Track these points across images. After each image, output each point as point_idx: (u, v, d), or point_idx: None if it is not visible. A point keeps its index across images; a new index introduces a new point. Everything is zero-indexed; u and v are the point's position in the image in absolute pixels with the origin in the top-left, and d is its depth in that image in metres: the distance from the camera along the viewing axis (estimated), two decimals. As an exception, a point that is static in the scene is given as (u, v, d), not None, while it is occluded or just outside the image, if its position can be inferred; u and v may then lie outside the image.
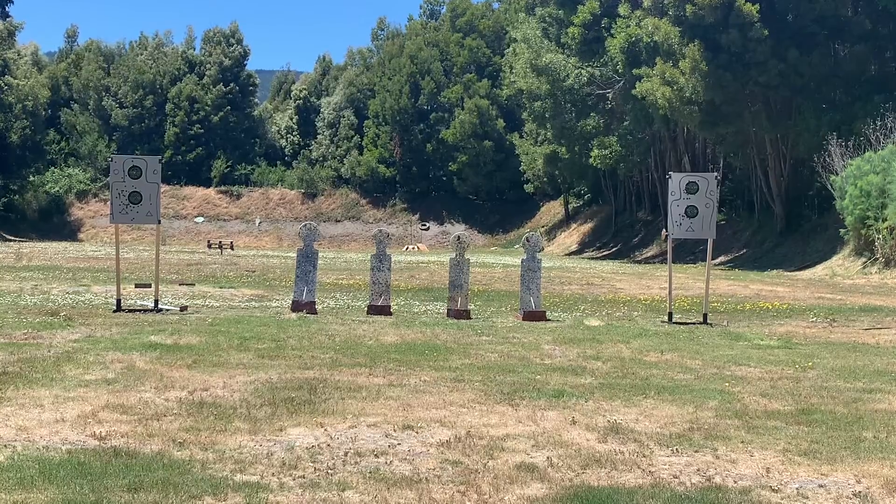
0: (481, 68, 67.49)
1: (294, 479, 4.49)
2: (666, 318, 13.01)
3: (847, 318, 13.89)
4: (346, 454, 4.98)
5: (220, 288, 17.74)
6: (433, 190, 70.11)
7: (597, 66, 43.34)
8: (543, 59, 44.91)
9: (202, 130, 71.68)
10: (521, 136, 58.34)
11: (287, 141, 77.23)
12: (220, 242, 46.62)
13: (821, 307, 15.87)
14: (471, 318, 12.75)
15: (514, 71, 52.13)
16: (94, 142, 69.55)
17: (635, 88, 36.56)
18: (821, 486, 4.62)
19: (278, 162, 75.34)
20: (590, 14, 41.83)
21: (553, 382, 7.37)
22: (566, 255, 51.19)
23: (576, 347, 9.68)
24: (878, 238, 25.94)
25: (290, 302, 13.38)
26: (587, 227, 58.16)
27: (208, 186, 70.88)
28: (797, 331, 12.16)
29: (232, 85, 73.62)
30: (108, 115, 72.17)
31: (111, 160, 13.12)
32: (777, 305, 16.13)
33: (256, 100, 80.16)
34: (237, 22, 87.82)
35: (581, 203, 61.97)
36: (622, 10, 38.91)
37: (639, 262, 40.91)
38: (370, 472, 4.63)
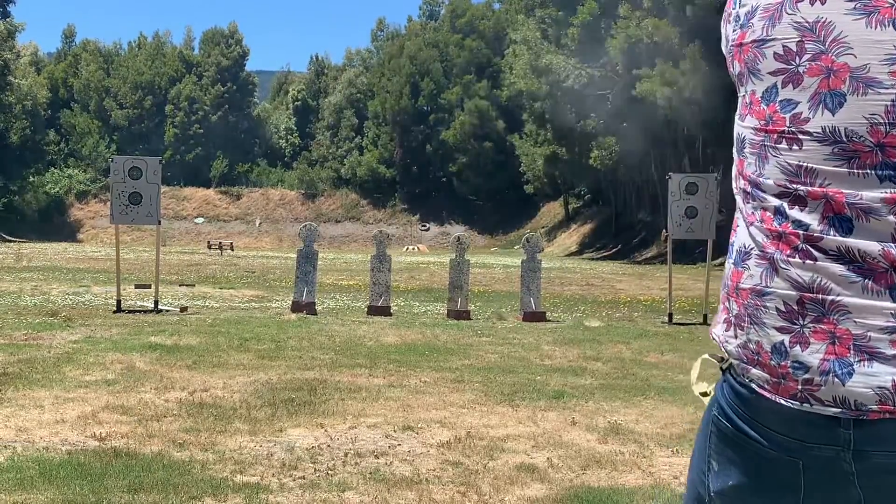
0: (481, 69, 67.48)
1: (294, 480, 4.48)
2: (666, 318, 13.00)
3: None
4: (346, 455, 4.97)
5: (220, 289, 17.74)
6: (433, 190, 70.10)
7: (596, 67, 43.33)
8: (543, 60, 44.92)
9: (201, 131, 71.72)
10: (521, 137, 58.32)
11: (287, 142, 77.28)
12: (220, 243, 46.60)
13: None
14: (471, 319, 12.75)
15: (513, 72, 52.13)
16: (95, 142, 69.60)
17: (635, 89, 36.56)
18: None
19: (278, 162, 75.39)
20: (589, 15, 41.84)
21: (553, 383, 7.37)
22: (566, 255, 51.18)
23: (576, 348, 9.68)
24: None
25: (290, 303, 13.38)
26: (587, 227, 58.15)
27: (208, 187, 70.90)
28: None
29: (231, 85, 73.65)
30: (107, 116, 72.22)
31: (112, 161, 13.15)
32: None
33: (256, 100, 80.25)
34: (236, 22, 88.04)
35: (581, 204, 61.97)
36: (622, 10, 38.91)
37: (639, 262, 40.92)
38: (370, 473, 4.63)
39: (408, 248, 58.16)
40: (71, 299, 14.39)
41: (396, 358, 8.55)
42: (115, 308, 12.46)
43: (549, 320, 12.81)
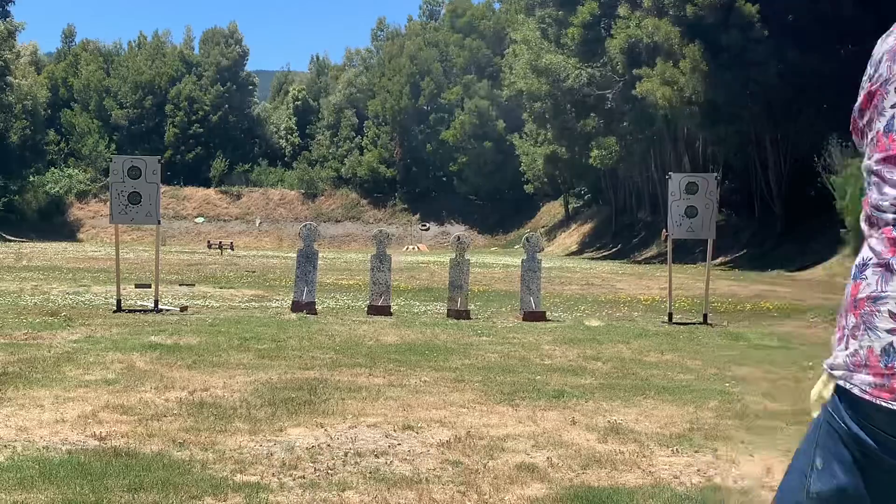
0: (481, 69, 67.50)
1: (294, 480, 4.48)
2: (666, 318, 13.00)
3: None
4: (346, 454, 4.97)
5: (220, 288, 17.74)
6: (433, 190, 70.12)
7: (596, 67, 43.35)
8: (543, 60, 44.94)
9: (201, 130, 71.73)
10: (521, 137, 58.35)
11: (287, 141, 77.28)
12: (221, 243, 46.60)
13: (821, 307, 15.86)
14: (470, 319, 12.75)
15: (513, 72, 52.15)
16: (95, 142, 69.59)
17: (635, 89, 36.55)
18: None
19: (278, 162, 75.40)
20: (589, 15, 41.85)
21: (553, 383, 7.37)
22: (566, 255, 51.18)
23: (576, 348, 9.68)
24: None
25: (290, 302, 13.38)
26: (587, 227, 58.15)
27: (208, 187, 70.89)
28: (798, 331, 12.16)
29: (230, 85, 73.65)
30: (107, 116, 72.21)
31: (111, 160, 13.17)
32: (777, 305, 16.12)
33: (256, 100, 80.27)
34: (236, 22, 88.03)
35: (581, 203, 61.96)
36: (622, 10, 38.92)
37: (639, 262, 40.92)
38: (370, 473, 4.63)
39: (408, 248, 58.16)
40: (71, 299, 14.39)
41: (396, 357, 8.55)
42: (115, 307, 12.46)
43: (549, 320, 12.82)
